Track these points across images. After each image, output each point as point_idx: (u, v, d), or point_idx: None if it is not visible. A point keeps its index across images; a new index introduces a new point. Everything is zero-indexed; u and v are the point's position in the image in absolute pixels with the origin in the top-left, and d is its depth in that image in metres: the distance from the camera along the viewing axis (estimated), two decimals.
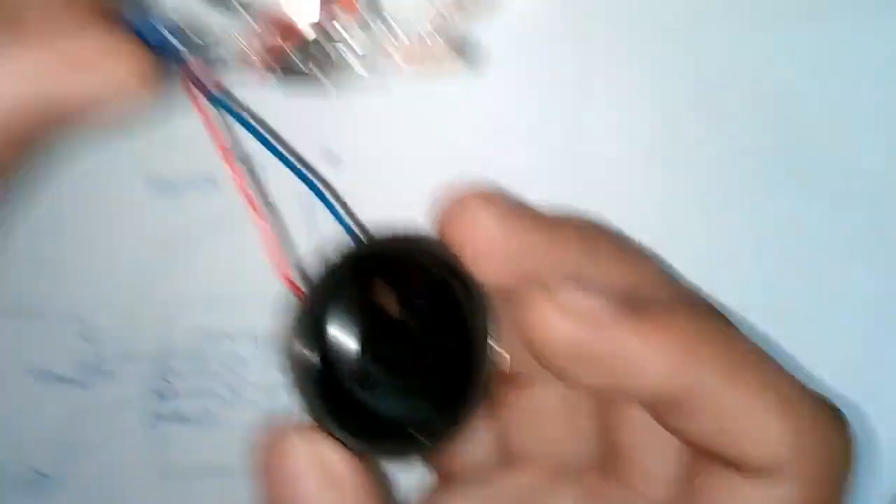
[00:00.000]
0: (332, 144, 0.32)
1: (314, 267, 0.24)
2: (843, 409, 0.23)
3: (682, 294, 0.26)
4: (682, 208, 0.33)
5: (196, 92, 0.25)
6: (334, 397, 0.24)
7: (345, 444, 0.23)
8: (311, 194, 0.32)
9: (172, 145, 0.32)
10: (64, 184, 0.32)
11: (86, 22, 0.20)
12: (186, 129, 0.31)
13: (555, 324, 0.22)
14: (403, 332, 0.25)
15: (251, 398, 0.34)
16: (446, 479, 0.29)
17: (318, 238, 0.33)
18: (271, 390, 0.34)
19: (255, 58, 0.24)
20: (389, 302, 0.25)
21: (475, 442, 0.27)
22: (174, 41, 0.23)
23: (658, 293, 0.25)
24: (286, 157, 0.27)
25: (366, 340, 0.25)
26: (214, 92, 0.25)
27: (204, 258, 0.33)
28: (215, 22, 0.24)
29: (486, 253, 0.24)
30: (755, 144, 0.32)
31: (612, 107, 0.32)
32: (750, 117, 0.32)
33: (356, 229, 0.25)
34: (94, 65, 0.20)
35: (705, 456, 0.23)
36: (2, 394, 0.34)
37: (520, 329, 0.23)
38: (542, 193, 0.31)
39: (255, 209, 0.26)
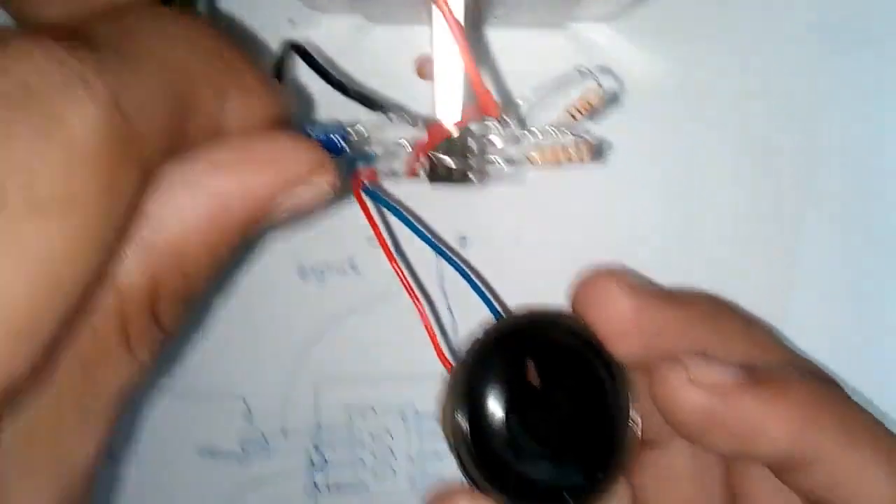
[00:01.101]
0: (471, 230, 0.34)
1: (463, 343, 0.26)
2: None
3: (798, 364, 0.27)
4: (793, 281, 0.34)
5: (358, 188, 0.27)
6: (489, 463, 0.26)
7: None
8: (451, 278, 0.35)
9: (318, 236, 0.35)
10: (226, 274, 0.35)
11: (277, 132, 0.23)
12: (328, 220, 0.35)
13: (688, 395, 0.24)
14: (547, 402, 0.27)
15: (397, 467, 0.36)
16: None
17: (459, 318, 0.35)
18: (416, 459, 0.36)
19: (409, 159, 0.27)
20: (532, 374, 0.27)
21: (613, 502, 0.28)
22: (344, 145, 0.26)
23: (778, 365, 0.26)
24: (436, 244, 0.30)
25: (512, 410, 0.26)
26: (371, 186, 0.28)
27: (348, 340, 0.36)
28: (372, 124, 0.27)
29: (620, 329, 0.26)
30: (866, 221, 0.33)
31: (725, 186, 0.34)
32: (860, 191, 0.33)
33: (498, 307, 0.28)
34: (282, 155, 0.22)
35: None
36: (173, 470, 0.37)
37: (655, 399, 0.25)
38: (667, 271, 0.33)
39: (410, 290, 0.28)
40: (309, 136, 0.26)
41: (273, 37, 0.33)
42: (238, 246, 0.22)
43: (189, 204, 0.20)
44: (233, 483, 0.37)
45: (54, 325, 0.17)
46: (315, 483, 0.37)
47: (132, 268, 0.19)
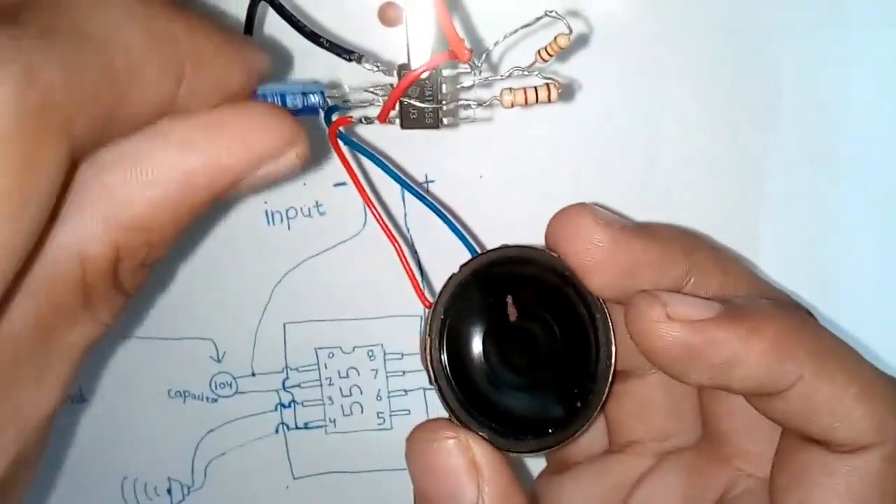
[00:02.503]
0: (437, 171, 0.35)
1: (436, 282, 0.27)
2: None
3: (772, 295, 0.28)
4: (761, 215, 0.35)
5: (333, 135, 0.28)
6: (470, 397, 0.27)
7: (484, 439, 0.26)
8: (416, 220, 0.35)
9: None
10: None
11: (247, 105, 0.23)
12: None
13: (665, 330, 0.24)
14: (524, 335, 0.27)
15: (364, 404, 0.38)
16: (559, 465, 0.32)
17: (425, 259, 0.36)
18: (382, 396, 0.37)
19: (383, 106, 0.27)
20: (510, 309, 0.27)
21: (591, 432, 0.29)
22: (322, 105, 0.27)
23: (753, 296, 0.27)
24: (409, 185, 0.30)
25: (490, 344, 0.27)
26: (345, 131, 0.28)
27: (315, 282, 0.36)
28: (343, 74, 0.27)
29: (595, 262, 0.26)
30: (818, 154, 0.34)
31: (690, 123, 0.34)
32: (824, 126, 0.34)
33: (473, 244, 0.28)
34: (252, 132, 0.22)
35: (798, 436, 0.26)
36: (144, 411, 0.38)
37: (631, 333, 0.25)
38: (631, 203, 0.34)
39: (386, 229, 0.28)
40: (284, 102, 0.26)
41: None
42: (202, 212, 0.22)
43: (156, 181, 0.20)
44: (203, 423, 0.38)
45: None
46: (283, 422, 0.38)
47: (95, 239, 0.20)
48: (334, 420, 0.38)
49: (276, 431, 0.38)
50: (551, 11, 0.25)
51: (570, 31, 0.25)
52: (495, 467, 0.25)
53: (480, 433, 0.26)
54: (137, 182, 0.20)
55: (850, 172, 0.34)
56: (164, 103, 0.21)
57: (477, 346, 0.27)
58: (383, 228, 0.28)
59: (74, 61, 0.17)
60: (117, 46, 0.19)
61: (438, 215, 0.29)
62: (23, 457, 0.20)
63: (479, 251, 0.28)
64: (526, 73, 0.26)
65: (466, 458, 0.25)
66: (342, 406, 0.37)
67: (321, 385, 0.37)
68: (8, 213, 0.16)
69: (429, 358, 0.27)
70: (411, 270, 0.28)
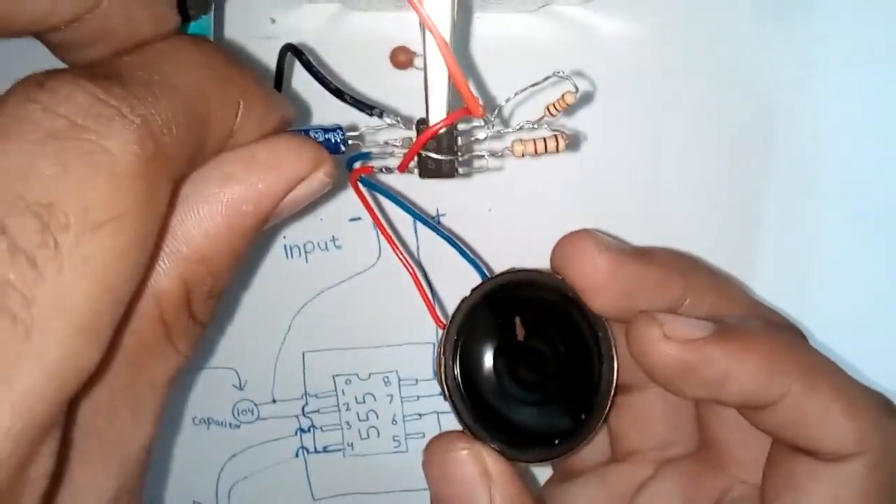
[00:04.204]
0: (449, 209, 0.37)
1: (448, 306, 0.28)
2: None
3: (764, 315, 0.30)
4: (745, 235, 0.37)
5: (355, 180, 0.30)
6: (481, 411, 0.28)
7: (495, 450, 0.27)
8: (427, 252, 0.37)
9: (302, 217, 0.37)
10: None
11: (277, 137, 0.25)
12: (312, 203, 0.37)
13: (662, 348, 0.26)
14: (532, 353, 0.29)
15: (380, 428, 0.39)
16: (565, 473, 0.34)
17: (437, 286, 0.38)
18: (398, 421, 0.39)
19: (403, 158, 0.29)
20: (518, 328, 0.29)
21: (595, 443, 0.31)
22: (341, 146, 0.28)
23: (745, 316, 0.29)
24: (425, 218, 0.32)
25: (500, 361, 0.29)
26: (366, 176, 0.30)
27: (332, 313, 0.38)
28: (365, 124, 0.29)
29: (598, 284, 0.28)
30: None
31: (689, 166, 0.36)
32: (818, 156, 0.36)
33: (484, 269, 0.30)
34: (282, 158, 0.24)
35: (787, 445, 0.27)
36: (169, 438, 0.39)
37: (631, 351, 0.27)
38: (631, 233, 0.35)
39: (403, 258, 0.30)
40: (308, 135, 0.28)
41: (254, 33, 0.35)
42: (255, 238, 0.24)
43: (208, 215, 0.23)
44: (226, 448, 0.39)
45: (112, 324, 0.19)
46: (304, 446, 0.39)
47: (166, 276, 0.22)
48: (352, 444, 0.39)
49: (297, 455, 0.39)
50: (559, 72, 0.27)
51: (577, 90, 0.27)
52: (506, 476, 0.27)
53: (492, 444, 0.28)
54: (191, 217, 0.22)
55: (840, 199, 0.36)
56: (227, 138, 0.23)
57: (488, 363, 0.29)
58: (398, 255, 0.30)
59: (172, 110, 0.20)
60: (197, 93, 0.21)
61: (450, 242, 0.31)
62: (126, 486, 0.22)
63: (488, 275, 0.30)
64: (535, 126, 0.28)
65: (479, 467, 0.27)
66: (359, 430, 0.39)
67: (339, 410, 0.39)
68: (137, 244, 0.19)
69: (443, 375, 0.28)
70: (426, 294, 0.30)
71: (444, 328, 0.29)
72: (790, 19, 0.34)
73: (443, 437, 0.28)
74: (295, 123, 0.27)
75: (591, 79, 0.35)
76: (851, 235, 0.36)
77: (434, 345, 0.38)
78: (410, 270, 0.30)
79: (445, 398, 0.28)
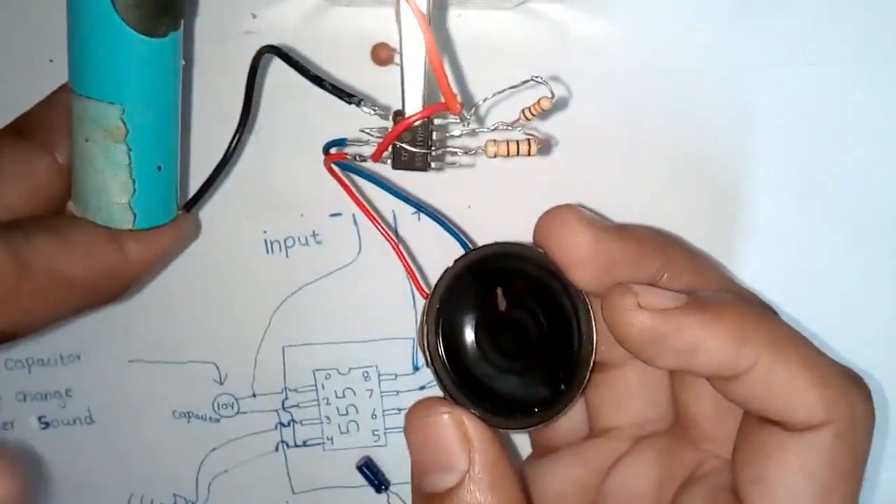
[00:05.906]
0: (434, 202, 0.37)
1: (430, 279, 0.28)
2: (866, 380, 0.27)
3: (737, 290, 0.31)
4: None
5: (329, 164, 0.30)
6: (463, 378, 0.29)
7: (476, 416, 0.28)
8: (405, 233, 0.37)
9: (282, 212, 0.37)
10: (199, 252, 0.38)
11: None
12: (293, 198, 0.37)
13: (635, 317, 0.27)
14: (512, 323, 0.29)
15: (360, 422, 0.40)
16: (544, 449, 0.34)
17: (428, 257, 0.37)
18: (377, 415, 0.39)
19: (377, 147, 0.29)
20: (499, 299, 0.29)
21: (568, 417, 0.31)
22: None
23: (719, 290, 0.30)
24: (405, 196, 0.33)
25: (482, 330, 0.29)
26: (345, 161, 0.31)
27: (313, 308, 0.38)
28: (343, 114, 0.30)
29: (578, 258, 0.28)
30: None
31: (660, 172, 0.37)
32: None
33: (466, 241, 0.31)
34: None
35: (757, 416, 0.28)
36: (149, 432, 0.39)
37: (607, 321, 0.28)
38: None
39: (386, 234, 0.31)
40: None
41: (235, 28, 0.35)
42: None
43: None
44: (207, 442, 0.40)
45: None
46: (283, 440, 0.40)
47: None
48: (332, 438, 0.40)
49: (277, 449, 0.40)
50: (537, 77, 0.28)
51: (553, 96, 0.27)
52: (485, 441, 0.27)
53: (472, 410, 0.28)
54: None
55: (817, 198, 0.36)
56: None
57: (470, 333, 0.29)
58: (379, 229, 0.31)
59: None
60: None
61: (431, 216, 0.32)
62: None
63: (471, 247, 0.30)
64: (510, 128, 0.28)
65: (459, 431, 0.27)
66: (339, 424, 0.39)
67: (319, 405, 0.39)
68: None
69: (425, 342, 0.29)
70: (408, 265, 0.31)
71: (427, 297, 0.29)
72: (766, 18, 0.35)
73: (424, 402, 0.28)
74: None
75: (568, 76, 0.35)
76: (829, 233, 0.37)
77: (414, 340, 0.38)
78: (392, 243, 0.31)
79: (427, 365, 0.29)
